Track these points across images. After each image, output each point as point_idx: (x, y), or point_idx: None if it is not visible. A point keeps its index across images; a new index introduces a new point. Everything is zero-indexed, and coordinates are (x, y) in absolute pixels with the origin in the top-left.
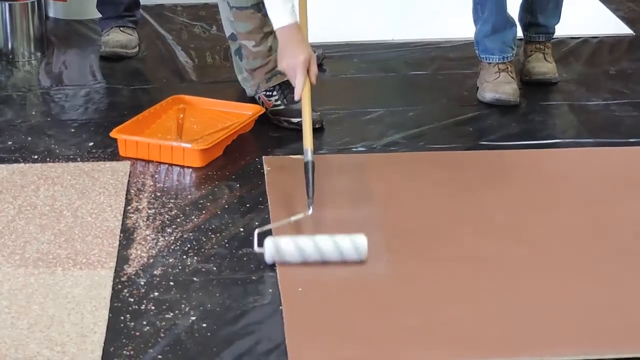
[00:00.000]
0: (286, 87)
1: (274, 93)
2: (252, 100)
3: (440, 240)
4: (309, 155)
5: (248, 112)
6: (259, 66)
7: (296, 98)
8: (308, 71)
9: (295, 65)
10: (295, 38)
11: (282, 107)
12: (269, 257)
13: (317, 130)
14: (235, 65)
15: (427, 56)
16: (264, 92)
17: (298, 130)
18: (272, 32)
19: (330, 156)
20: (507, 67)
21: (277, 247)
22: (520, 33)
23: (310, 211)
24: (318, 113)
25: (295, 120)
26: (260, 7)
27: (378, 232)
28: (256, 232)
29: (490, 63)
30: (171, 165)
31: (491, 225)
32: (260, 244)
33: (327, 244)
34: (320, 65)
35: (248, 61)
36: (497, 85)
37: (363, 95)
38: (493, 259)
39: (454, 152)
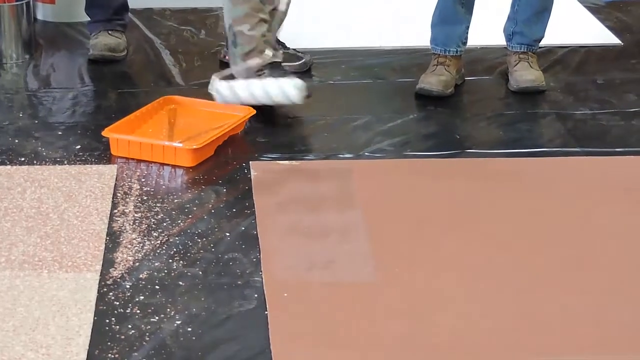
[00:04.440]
0: (276, 67)
1: (265, 72)
2: None
3: (426, 247)
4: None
5: (239, 113)
6: (250, 50)
7: None
8: None
9: None
10: None
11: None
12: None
13: (306, 129)
14: (231, 56)
15: (414, 63)
16: (256, 74)
17: (297, 132)
18: (266, 21)
19: (317, 162)
20: (446, 61)
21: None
22: (503, 41)
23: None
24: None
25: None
26: None
27: (363, 239)
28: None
29: (434, 54)
30: (162, 165)
31: (477, 232)
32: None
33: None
34: (308, 72)
35: (242, 47)
36: (426, 76)
37: (350, 101)
38: (478, 266)
39: (440, 160)
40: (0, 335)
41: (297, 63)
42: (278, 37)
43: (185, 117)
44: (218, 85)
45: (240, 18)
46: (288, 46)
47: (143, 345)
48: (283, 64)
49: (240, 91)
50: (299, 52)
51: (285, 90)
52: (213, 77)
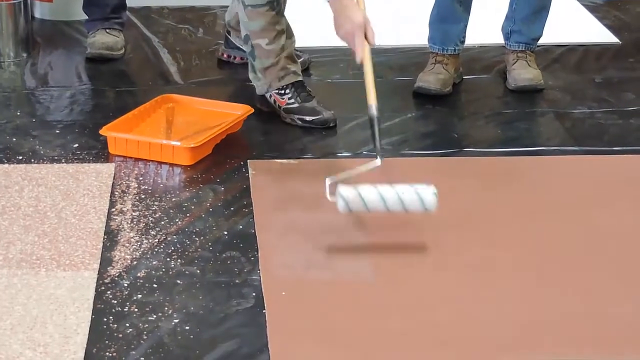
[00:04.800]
0: (299, 86)
1: (287, 91)
2: (243, 100)
3: (424, 245)
4: (373, 109)
5: (237, 112)
6: (271, 65)
7: (357, 61)
8: (366, 35)
9: (353, 30)
10: (348, 4)
11: (295, 105)
12: (342, 206)
13: (326, 130)
14: (249, 66)
15: (412, 61)
16: (276, 91)
17: (295, 131)
18: (283, 31)
19: (315, 161)
20: (444, 60)
21: (349, 197)
22: (501, 40)
23: (379, 161)
24: (332, 112)
25: (308, 118)
26: (274, 5)
27: (362, 237)
28: (327, 180)
29: (432, 52)
30: (160, 163)
31: (475, 231)
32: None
33: (393, 196)
34: (306, 70)
35: (261, 60)
36: (424, 75)
37: (348, 100)
38: (476, 264)
39: (438, 159)
40: None
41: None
42: None
43: (183, 116)
44: (342, 191)
45: (257, 32)
46: None
47: (141, 344)
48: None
49: (368, 196)
50: (297, 51)
51: (422, 197)
52: (328, 181)
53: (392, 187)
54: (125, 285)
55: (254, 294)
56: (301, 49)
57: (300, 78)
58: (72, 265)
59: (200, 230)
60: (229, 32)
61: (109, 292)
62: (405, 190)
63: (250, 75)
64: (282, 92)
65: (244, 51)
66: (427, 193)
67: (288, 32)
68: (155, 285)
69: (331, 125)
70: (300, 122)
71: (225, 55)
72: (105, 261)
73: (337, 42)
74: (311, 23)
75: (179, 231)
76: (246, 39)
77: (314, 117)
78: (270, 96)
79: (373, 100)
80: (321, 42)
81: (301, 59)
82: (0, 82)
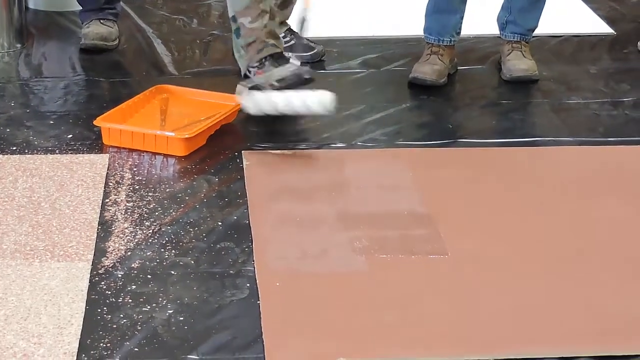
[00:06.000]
0: (278, 57)
1: (266, 62)
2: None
3: (418, 236)
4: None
5: (231, 102)
6: (252, 41)
7: None
8: None
9: None
10: None
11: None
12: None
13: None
14: (234, 44)
15: (407, 52)
16: (257, 64)
17: (290, 122)
18: (267, 12)
19: (309, 152)
20: (440, 51)
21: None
22: (496, 31)
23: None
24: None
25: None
26: None
27: (355, 228)
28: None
29: (427, 43)
30: (154, 154)
31: (469, 222)
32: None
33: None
34: (320, 62)
35: (245, 38)
36: (419, 66)
37: (343, 90)
38: (470, 255)
39: (433, 149)
40: None
41: (309, 53)
42: (291, 27)
43: (177, 107)
44: (248, 95)
45: (242, 10)
46: (301, 36)
47: (135, 335)
48: (291, 53)
49: (265, 103)
50: (311, 42)
51: (308, 104)
52: (240, 86)
53: (297, 92)
54: (120, 276)
55: (248, 284)
56: (314, 40)
57: (278, 50)
58: (66, 256)
59: (194, 221)
60: None
61: (103, 283)
62: (308, 95)
63: (235, 55)
64: (261, 64)
65: None
66: (325, 95)
67: (272, 14)
68: (149, 276)
69: (306, 77)
70: (277, 84)
71: None
72: (99, 252)
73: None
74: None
75: (173, 222)
76: (233, 19)
77: (286, 75)
78: (253, 73)
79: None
80: (316, 33)
81: (315, 50)
82: None
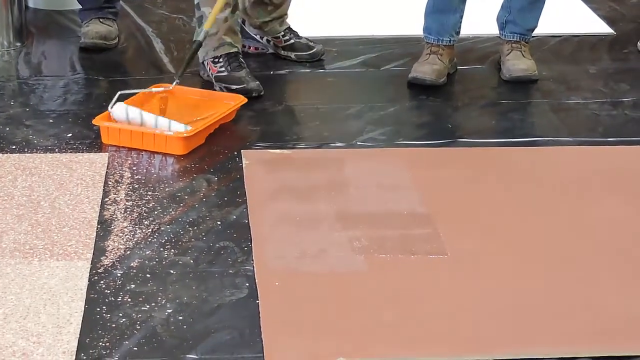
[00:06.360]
0: (232, 57)
1: (220, 60)
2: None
3: (418, 236)
4: (202, 35)
5: (230, 102)
6: (212, 33)
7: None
8: None
9: None
10: None
11: (225, 73)
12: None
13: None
14: (195, 32)
15: (407, 52)
16: (212, 59)
17: (289, 121)
18: (230, 4)
19: (309, 151)
20: (439, 50)
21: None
22: (496, 31)
23: (173, 84)
24: (257, 82)
25: (233, 87)
26: None
27: (354, 228)
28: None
29: (427, 43)
30: (153, 153)
31: (468, 221)
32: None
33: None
34: (319, 61)
35: (205, 29)
36: (419, 65)
37: (342, 90)
38: (470, 256)
39: (433, 149)
40: None
41: (307, 53)
42: (290, 26)
43: (176, 106)
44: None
45: (206, 0)
46: (300, 35)
47: (134, 334)
48: (296, 53)
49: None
50: (311, 41)
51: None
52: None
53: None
54: (119, 275)
55: (247, 284)
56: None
57: (234, 50)
58: (65, 255)
59: (193, 220)
60: (243, 22)
61: (102, 282)
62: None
63: (194, 40)
64: (216, 60)
65: (259, 41)
66: (177, 125)
67: (235, 7)
68: (148, 275)
69: (254, 95)
70: (226, 90)
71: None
72: (99, 251)
73: (331, 32)
74: (305, 13)
75: (173, 221)
76: (197, 6)
77: (238, 87)
78: (206, 63)
79: (208, 25)
80: (315, 32)
81: (314, 50)
82: None
